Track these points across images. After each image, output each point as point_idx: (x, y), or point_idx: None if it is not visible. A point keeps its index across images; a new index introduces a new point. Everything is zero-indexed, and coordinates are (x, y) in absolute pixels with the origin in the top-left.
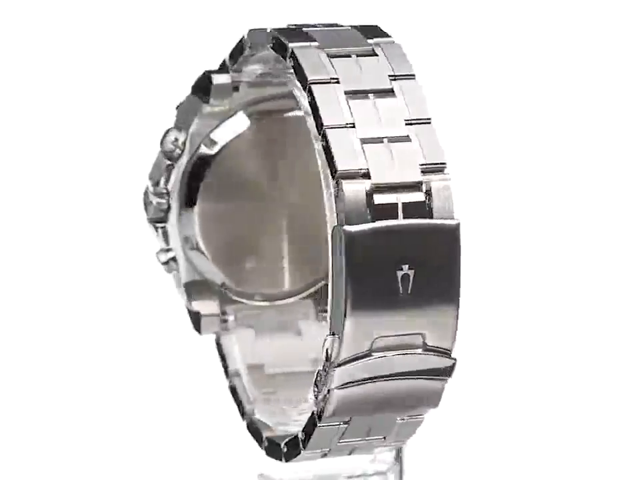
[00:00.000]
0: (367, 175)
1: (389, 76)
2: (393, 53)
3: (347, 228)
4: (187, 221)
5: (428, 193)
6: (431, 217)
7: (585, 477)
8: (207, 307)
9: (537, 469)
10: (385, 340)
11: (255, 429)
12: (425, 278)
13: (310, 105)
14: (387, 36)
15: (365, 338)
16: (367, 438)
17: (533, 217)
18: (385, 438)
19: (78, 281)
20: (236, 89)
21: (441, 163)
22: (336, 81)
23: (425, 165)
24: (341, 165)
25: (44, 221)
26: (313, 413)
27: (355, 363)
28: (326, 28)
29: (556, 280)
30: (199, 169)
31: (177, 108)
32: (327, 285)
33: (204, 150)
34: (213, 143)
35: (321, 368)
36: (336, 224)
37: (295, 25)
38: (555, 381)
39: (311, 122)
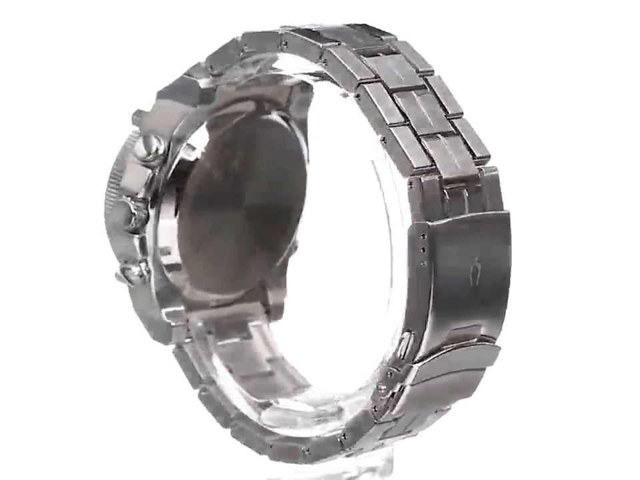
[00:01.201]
0: (435, 171)
1: (416, 72)
2: (407, 50)
3: (431, 223)
4: (166, 229)
5: (482, 185)
6: (486, 208)
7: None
8: (175, 316)
9: (528, 469)
10: (453, 333)
11: (250, 434)
12: (487, 269)
13: (361, 104)
14: (389, 34)
15: (442, 333)
16: (401, 434)
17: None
18: (410, 432)
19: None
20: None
21: (487, 156)
22: (378, 79)
23: (475, 158)
24: (415, 162)
25: None
26: (366, 412)
27: (430, 358)
28: (327, 27)
29: (562, 273)
30: (180, 176)
31: (138, 115)
32: (274, 287)
33: (184, 156)
34: (192, 148)
35: (389, 365)
36: (412, 220)
37: (291, 26)
38: (547, 381)
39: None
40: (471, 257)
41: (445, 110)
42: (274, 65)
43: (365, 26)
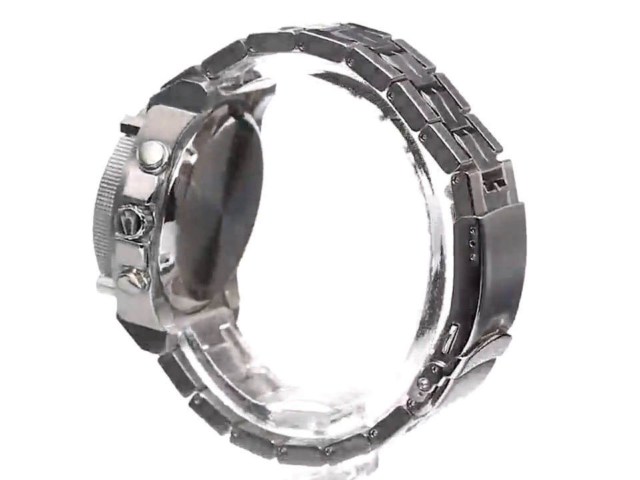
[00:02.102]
0: (474, 166)
1: (425, 69)
2: (409, 48)
3: (481, 217)
4: (167, 236)
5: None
6: (508, 201)
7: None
8: (169, 323)
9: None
10: (489, 324)
11: (253, 439)
12: (513, 259)
13: (395, 102)
14: (384, 32)
15: (484, 326)
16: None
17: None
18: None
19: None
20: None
21: (501, 149)
22: (405, 77)
23: (494, 151)
24: (460, 158)
25: None
26: (399, 407)
27: (474, 351)
28: (331, 27)
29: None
30: (181, 182)
31: (131, 122)
32: (231, 291)
33: (184, 162)
34: (191, 153)
35: (431, 359)
36: (456, 215)
37: (294, 26)
38: (541, 381)
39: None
40: (505, 248)
41: (458, 106)
42: (256, 69)
43: (356, 24)
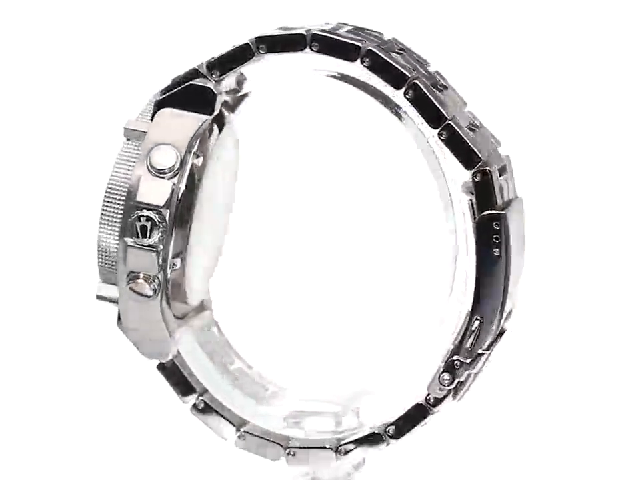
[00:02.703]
0: (491, 162)
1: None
2: (405, 48)
3: (503, 212)
4: (177, 241)
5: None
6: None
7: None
8: (172, 328)
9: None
10: (503, 318)
11: (259, 441)
12: (520, 253)
13: (414, 101)
14: (377, 31)
15: (503, 318)
16: None
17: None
18: None
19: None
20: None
21: (500, 145)
22: (418, 75)
23: (495, 147)
24: (482, 155)
25: None
26: (418, 404)
27: (494, 345)
28: (333, 27)
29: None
30: (190, 185)
31: (134, 127)
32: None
33: (193, 165)
34: (197, 156)
35: (451, 355)
36: (477, 211)
37: (297, 27)
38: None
39: (411, 119)
40: (516, 241)
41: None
42: (250, 72)
43: (351, 24)
